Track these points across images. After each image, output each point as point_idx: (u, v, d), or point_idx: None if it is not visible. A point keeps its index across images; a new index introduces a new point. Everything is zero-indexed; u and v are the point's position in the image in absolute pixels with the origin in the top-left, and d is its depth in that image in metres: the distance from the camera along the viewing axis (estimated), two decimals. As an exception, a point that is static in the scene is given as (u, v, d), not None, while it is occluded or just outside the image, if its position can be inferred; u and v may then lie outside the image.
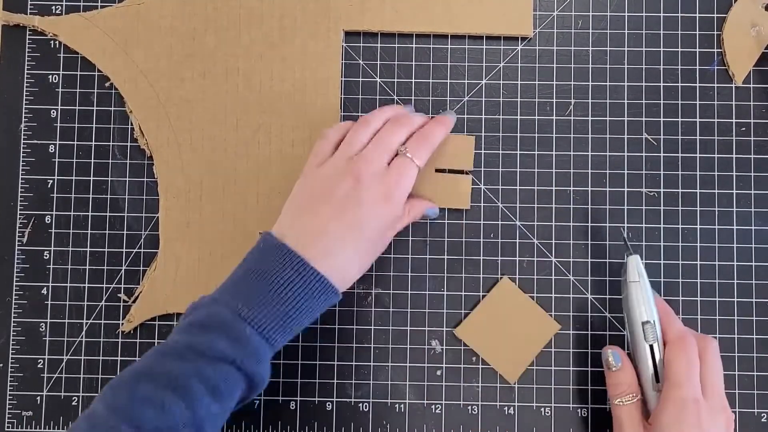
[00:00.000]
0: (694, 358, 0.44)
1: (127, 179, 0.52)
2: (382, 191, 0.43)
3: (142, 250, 0.51)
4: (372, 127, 0.46)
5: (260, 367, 0.40)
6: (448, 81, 0.52)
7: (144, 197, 0.52)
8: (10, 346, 0.51)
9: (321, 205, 0.43)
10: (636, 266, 0.46)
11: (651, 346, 0.45)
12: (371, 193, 0.43)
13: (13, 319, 0.51)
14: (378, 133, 0.45)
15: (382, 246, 0.45)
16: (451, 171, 0.51)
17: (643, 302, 0.45)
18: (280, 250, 0.41)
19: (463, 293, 0.51)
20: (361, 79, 0.52)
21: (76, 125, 0.52)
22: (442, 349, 0.51)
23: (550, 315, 0.51)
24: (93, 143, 0.52)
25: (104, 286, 0.51)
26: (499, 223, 0.51)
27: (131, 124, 0.52)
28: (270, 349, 0.41)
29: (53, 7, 0.52)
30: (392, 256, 0.51)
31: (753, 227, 0.51)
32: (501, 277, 0.51)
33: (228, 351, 0.39)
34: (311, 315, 0.42)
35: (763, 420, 0.50)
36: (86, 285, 0.51)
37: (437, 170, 0.51)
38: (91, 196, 0.52)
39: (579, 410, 0.50)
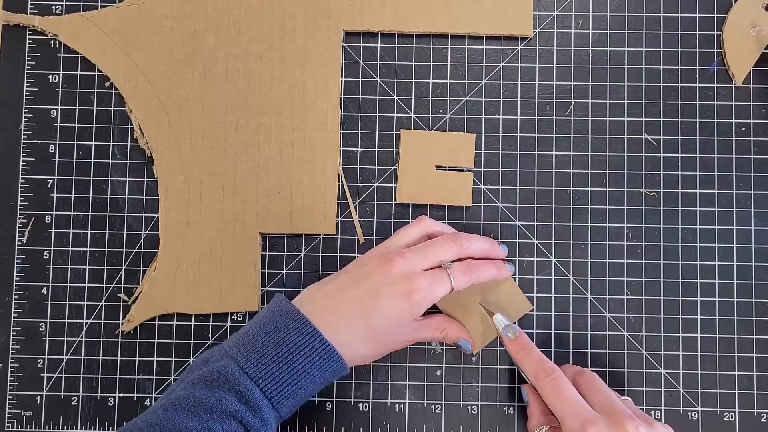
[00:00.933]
0: (561, 383, 0.43)
1: (127, 179, 0.52)
2: (404, 289, 0.43)
3: (141, 250, 0.51)
4: (425, 229, 0.47)
5: (264, 425, 0.40)
6: (448, 81, 0.52)
7: (144, 197, 0.52)
8: (10, 346, 0.51)
9: (346, 283, 0.44)
10: (502, 323, 0.47)
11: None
12: (394, 287, 0.43)
13: (13, 319, 0.51)
14: (430, 240, 0.46)
15: (396, 343, 0.46)
16: (452, 169, 0.51)
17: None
18: (293, 315, 0.42)
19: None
20: (361, 79, 0.52)
21: (76, 125, 0.52)
22: (442, 349, 0.51)
23: (550, 314, 0.51)
24: (93, 143, 0.52)
25: (104, 285, 0.51)
26: (499, 223, 0.51)
27: (131, 124, 0.52)
28: (272, 410, 0.41)
29: (53, 7, 0.52)
30: (392, 256, 0.51)
31: (753, 227, 0.51)
32: None
33: (235, 407, 0.39)
34: (317, 382, 0.42)
35: (762, 420, 0.50)
36: (86, 285, 0.51)
37: (438, 168, 0.51)
38: (91, 195, 0.52)
39: (579, 410, 0.50)
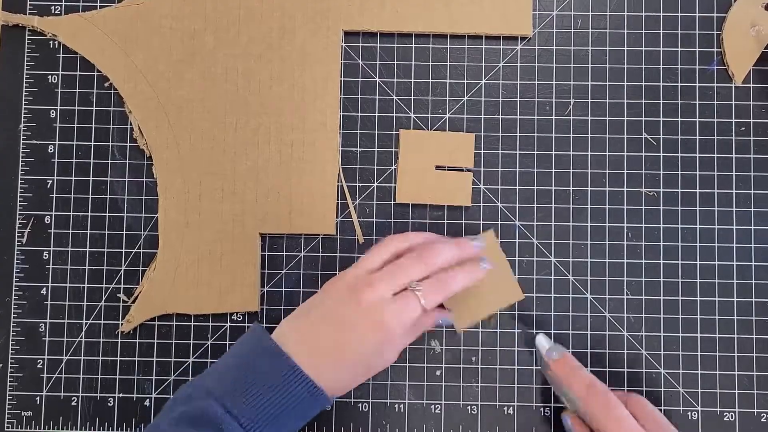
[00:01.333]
0: (614, 405, 0.42)
1: (127, 179, 0.52)
2: (375, 320, 0.42)
3: (141, 251, 0.51)
4: (391, 249, 0.45)
5: None
6: (448, 81, 0.52)
7: (143, 197, 0.52)
8: (10, 347, 0.51)
9: (320, 319, 0.43)
10: (545, 344, 0.46)
11: None
12: (365, 320, 0.42)
13: (12, 320, 0.51)
14: (396, 262, 0.44)
15: (384, 362, 0.45)
16: (451, 168, 0.51)
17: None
18: (275, 353, 0.42)
19: (462, 293, 0.51)
20: (360, 79, 0.52)
21: (76, 125, 0.52)
22: (442, 349, 0.51)
23: (549, 314, 0.51)
24: (92, 143, 0.52)
25: (103, 286, 0.51)
26: (499, 222, 0.51)
27: (130, 125, 0.52)
28: None
29: (52, 8, 0.52)
30: (392, 256, 0.51)
31: (752, 227, 0.51)
32: (488, 229, 0.50)
33: None
34: (300, 417, 0.42)
35: (762, 420, 0.50)
36: (85, 285, 0.51)
37: (438, 168, 0.51)
38: (90, 196, 0.52)
39: (578, 410, 0.50)
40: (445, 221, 0.51)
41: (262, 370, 0.41)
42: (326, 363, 0.42)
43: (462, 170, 0.51)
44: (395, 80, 0.52)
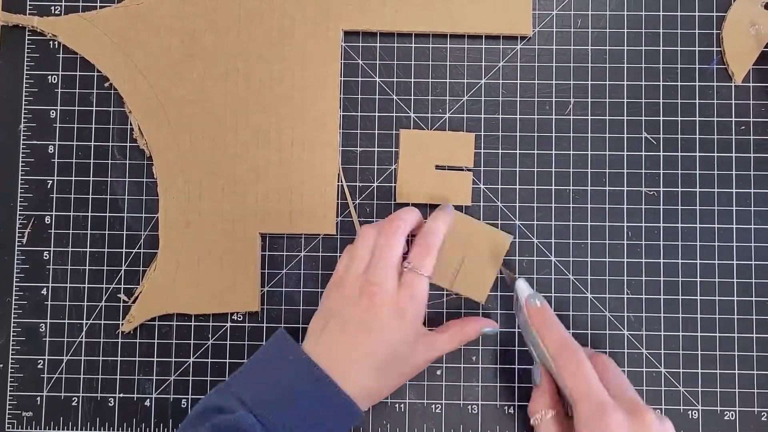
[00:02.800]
0: (581, 364, 0.41)
1: (127, 179, 0.52)
2: (394, 314, 0.43)
3: (141, 251, 0.51)
4: (370, 240, 0.45)
5: None
6: (448, 80, 0.52)
7: (143, 197, 0.52)
8: (10, 347, 0.51)
9: (341, 330, 0.43)
10: (525, 291, 0.45)
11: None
12: (386, 317, 0.43)
13: (13, 320, 0.51)
14: (376, 247, 0.45)
15: (414, 368, 0.45)
16: (451, 168, 0.51)
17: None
18: (305, 364, 0.42)
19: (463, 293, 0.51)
20: (360, 79, 0.52)
21: (76, 126, 0.52)
22: (442, 348, 0.51)
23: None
24: (92, 143, 0.52)
25: (104, 286, 0.51)
26: (499, 222, 0.51)
27: (130, 125, 0.52)
28: None
29: (52, 8, 0.52)
30: (392, 255, 0.51)
31: (752, 226, 0.51)
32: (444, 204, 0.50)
33: None
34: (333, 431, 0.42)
35: (763, 419, 0.50)
36: (86, 285, 0.51)
37: (438, 167, 0.51)
38: (90, 196, 0.52)
39: (579, 409, 0.50)
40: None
41: (301, 389, 0.41)
42: (360, 372, 0.42)
43: (462, 170, 0.51)
44: (395, 80, 0.52)
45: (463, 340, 0.47)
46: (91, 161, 0.52)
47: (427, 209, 0.51)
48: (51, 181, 0.52)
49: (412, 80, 0.52)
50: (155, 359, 0.51)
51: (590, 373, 0.41)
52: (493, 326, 0.48)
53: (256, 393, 0.41)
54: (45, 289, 0.51)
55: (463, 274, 0.50)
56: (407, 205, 0.51)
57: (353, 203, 0.51)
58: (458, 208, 0.51)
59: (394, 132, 0.52)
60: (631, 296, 0.51)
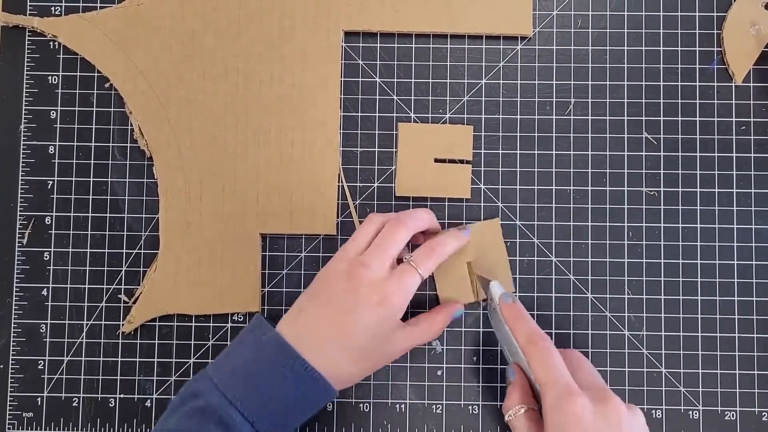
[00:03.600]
0: (548, 353, 0.42)
1: (127, 180, 0.52)
2: (376, 298, 0.42)
3: (142, 251, 0.51)
4: (373, 228, 0.46)
5: None
6: (448, 81, 0.52)
7: (144, 198, 0.52)
8: (11, 348, 0.51)
9: (319, 309, 0.43)
10: (498, 291, 0.46)
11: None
12: (365, 299, 0.42)
13: (13, 321, 0.51)
14: (380, 234, 0.45)
15: (388, 355, 0.45)
16: (450, 161, 0.51)
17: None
18: (277, 344, 0.42)
19: (463, 293, 0.51)
20: (360, 79, 0.52)
21: (76, 126, 0.52)
22: (443, 349, 0.51)
23: (551, 314, 0.51)
24: (93, 144, 0.52)
25: (104, 287, 0.51)
26: (500, 222, 0.51)
27: (131, 125, 0.52)
28: None
29: (53, 8, 0.52)
30: (392, 256, 0.51)
31: (753, 226, 0.51)
32: (494, 218, 0.51)
33: None
34: (306, 409, 0.43)
35: (764, 419, 0.50)
36: (86, 286, 0.51)
37: (437, 160, 0.51)
38: (91, 197, 0.52)
39: (580, 410, 0.50)
40: (446, 220, 0.51)
41: (267, 363, 0.41)
42: (332, 352, 0.42)
43: (462, 162, 0.51)
44: (395, 80, 0.52)
45: (438, 330, 0.47)
46: (92, 162, 0.52)
47: (427, 203, 0.51)
48: (51, 182, 0.52)
49: (413, 80, 0.52)
50: (156, 360, 0.51)
51: (557, 361, 0.42)
52: (460, 309, 0.49)
53: (229, 375, 0.41)
54: (45, 289, 0.51)
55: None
56: (407, 198, 0.51)
57: (354, 203, 0.51)
58: (458, 200, 0.51)
59: (394, 132, 0.52)
60: (631, 296, 0.51)
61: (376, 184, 0.52)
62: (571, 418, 0.39)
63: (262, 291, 0.51)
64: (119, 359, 0.51)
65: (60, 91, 0.52)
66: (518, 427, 0.43)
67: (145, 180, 0.52)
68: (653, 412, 0.50)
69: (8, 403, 0.51)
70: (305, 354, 0.42)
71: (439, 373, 0.51)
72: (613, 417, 0.40)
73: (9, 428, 0.50)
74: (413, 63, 0.52)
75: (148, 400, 0.51)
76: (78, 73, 0.52)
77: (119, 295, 0.51)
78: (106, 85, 0.52)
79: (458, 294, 0.50)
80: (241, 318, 0.51)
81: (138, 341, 0.51)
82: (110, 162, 0.52)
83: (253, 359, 0.42)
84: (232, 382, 0.41)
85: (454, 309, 0.48)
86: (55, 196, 0.52)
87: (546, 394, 0.41)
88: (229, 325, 0.51)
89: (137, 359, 0.51)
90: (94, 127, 0.52)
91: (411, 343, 0.46)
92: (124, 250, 0.51)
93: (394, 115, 0.52)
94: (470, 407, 0.51)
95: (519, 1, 0.51)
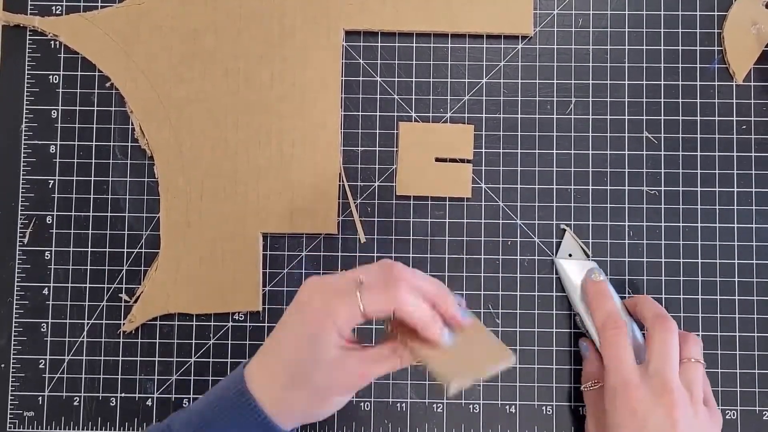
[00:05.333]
0: (617, 340, 0.44)
1: (128, 179, 0.52)
2: (307, 311, 0.37)
3: (143, 250, 0.51)
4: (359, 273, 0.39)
5: None
6: (449, 80, 0.52)
7: (145, 197, 0.52)
8: (12, 347, 0.51)
9: (271, 337, 0.40)
10: (579, 264, 0.48)
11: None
12: (297, 313, 0.38)
13: (14, 320, 0.51)
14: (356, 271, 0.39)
15: (322, 386, 0.38)
16: (451, 160, 0.51)
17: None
18: (236, 383, 0.39)
19: (464, 292, 0.51)
20: (361, 79, 0.52)
21: (77, 125, 0.52)
22: (444, 348, 0.51)
23: (552, 313, 0.51)
24: (94, 143, 0.52)
25: (105, 286, 0.51)
26: (500, 221, 0.51)
27: (132, 125, 0.52)
28: None
29: (53, 8, 0.52)
30: (393, 255, 0.51)
31: (754, 225, 0.51)
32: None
33: None
34: None
35: (764, 418, 0.50)
36: (87, 285, 0.51)
37: (438, 159, 0.51)
38: (92, 196, 0.52)
39: (580, 408, 0.50)
40: (447, 220, 0.51)
41: (223, 403, 0.39)
42: (270, 376, 0.38)
43: (463, 161, 0.51)
44: (396, 79, 0.52)
45: (406, 359, 0.39)
46: (93, 161, 0.52)
47: (428, 209, 0.51)
48: (52, 181, 0.52)
49: (413, 80, 0.52)
50: (157, 359, 0.51)
51: (624, 349, 0.44)
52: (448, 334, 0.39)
53: (187, 418, 0.39)
54: (46, 288, 0.51)
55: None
56: (408, 197, 0.51)
57: (354, 203, 0.52)
58: (458, 200, 0.51)
59: (395, 131, 0.52)
60: (632, 296, 0.51)
61: (376, 184, 0.52)
62: (627, 411, 0.42)
63: (263, 290, 0.51)
64: (120, 358, 0.51)
65: (61, 90, 0.52)
66: (589, 399, 0.47)
67: (145, 179, 0.52)
68: (654, 411, 0.50)
69: (9, 402, 0.51)
70: (256, 392, 0.38)
71: (439, 372, 0.51)
72: (677, 414, 0.41)
73: (10, 427, 0.50)
74: (414, 62, 0.52)
75: (149, 399, 0.51)
76: (79, 73, 0.52)
77: (120, 295, 0.51)
78: (107, 84, 0.52)
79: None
80: (242, 317, 0.51)
81: (139, 340, 0.51)
82: (111, 161, 0.52)
83: (212, 401, 0.39)
84: (187, 423, 0.39)
85: (438, 331, 0.38)
86: (56, 195, 0.52)
87: (608, 379, 0.43)
88: (230, 324, 0.51)
89: (138, 358, 0.51)
90: (95, 126, 0.52)
91: (365, 369, 0.38)
92: (125, 250, 0.51)
93: (395, 114, 0.52)
94: (471, 406, 0.51)
95: (520, 0, 0.51)
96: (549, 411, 0.50)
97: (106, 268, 0.51)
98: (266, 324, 0.51)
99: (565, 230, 0.48)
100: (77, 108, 0.52)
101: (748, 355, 0.50)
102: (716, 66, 0.52)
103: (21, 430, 0.50)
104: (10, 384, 0.51)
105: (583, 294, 0.48)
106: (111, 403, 0.51)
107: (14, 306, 0.51)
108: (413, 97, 0.52)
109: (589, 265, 0.49)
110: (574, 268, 0.49)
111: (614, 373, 0.43)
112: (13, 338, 0.51)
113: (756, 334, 0.50)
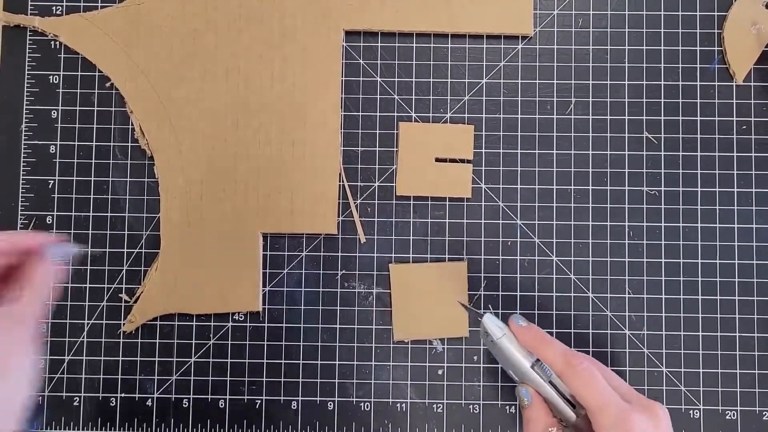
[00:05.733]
0: (589, 373, 0.41)
1: (128, 179, 0.52)
2: None
3: (143, 251, 0.51)
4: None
5: None
6: (449, 80, 0.52)
7: (145, 197, 0.52)
8: (12, 347, 0.51)
9: None
10: (494, 323, 0.43)
11: (551, 382, 0.42)
12: None
13: (14, 320, 0.51)
14: None
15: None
16: (451, 160, 0.51)
17: (518, 349, 0.43)
18: None
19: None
20: (361, 79, 0.52)
21: (77, 126, 0.52)
22: (444, 348, 0.51)
23: (551, 313, 0.51)
24: (94, 144, 0.52)
25: (105, 286, 0.51)
26: (500, 222, 0.51)
27: (132, 125, 0.52)
28: None
29: (54, 8, 0.52)
30: (393, 255, 0.51)
31: (754, 225, 0.51)
32: (464, 259, 0.51)
33: None
34: None
35: (764, 418, 0.50)
36: (87, 285, 0.51)
37: (438, 160, 0.51)
38: (92, 196, 0.52)
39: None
40: (447, 220, 0.51)
41: None
42: None
43: (463, 161, 0.51)
44: (396, 80, 0.52)
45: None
46: (93, 161, 0.52)
47: (428, 209, 0.51)
48: (52, 181, 0.52)
49: (414, 80, 0.52)
50: (157, 359, 0.51)
51: (602, 382, 0.41)
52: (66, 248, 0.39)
53: None
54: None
55: (439, 317, 0.50)
56: (408, 198, 0.51)
57: (354, 203, 0.52)
58: (458, 200, 0.51)
59: (395, 132, 0.52)
60: (632, 296, 0.51)
61: (376, 184, 0.52)
62: None
63: (263, 290, 0.51)
64: (120, 358, 0.51)
65: (61, 90, 0.52)
66: None
67: (146, 179, 0.52)
68: (654, 411, 0.50)
69: (9, 402, 0.51)
70: None
71: (440, 372, 0.51)
72: (663, 425, 0.40)
73: (10, 427, 0.50)
74: (414, 62, 0.52)
75: (149, 400, 0.51)
76: (79, 73, 0.52)
77: (120, 295, 0.51)
78: (107, 84, 0.52)
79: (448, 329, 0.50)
80: (242, 317, 0.51)
81: (139, 340, 0.51)
82: (111, 161, 0.52)
83: None
84: None
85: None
86: (56, 195, 0.52)
87: (599, 418, 0.40)
88: (230, 324, 0.51)
89: (138, 358, 0.51)
90: (95, 126, 0.52)
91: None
92: (125, 250, 0.51)
93: (395, 114, 0.52)
94: (471, 406, 0.51)
95: (520, 0, 0.51)
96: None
97: (106, 268, 0.51)
98: (266, 324, 0.51)
99: (483, 317, 0.44)
100: (77, 108, 0.52)
101: (748, 355, 0.50)
102: (716, 66, 0.52)
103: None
104: (10, 384, 0.51)
105: (501, 348, 0.43)
106: (111, 404, 0.51)
107: (14, 306, 0.51)
108: (413, 97, 0.52)
109: (495, 322, 0.44)
110: (498, 349, 0.44)
111: (606, 407, 0.40)
112: (13, 338, 0.51)
113: (756, 334, 0.50)
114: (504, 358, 0.44)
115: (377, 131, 0.52)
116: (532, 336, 0.43)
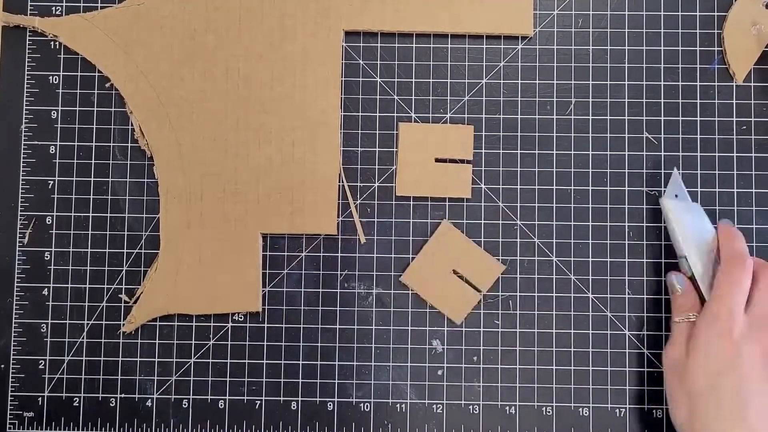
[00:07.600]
0: (738, 276, 0.45)
1: (128, 180, 0.52)
2: None
3: (143, 251, 0.51)
4: None
5: None
6: (449, 80, 0.52)
7: (144, 198, 0.52)
8: (12, 347, 0.51)
9: None
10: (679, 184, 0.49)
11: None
12: None
13: (14, 320, 0.51)
14: None
15: None
16: (451, 160, 0.51)
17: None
18: None
19: (464, 293, 0.51)
20: (361, 79, 0.52)
21: (77, 126, 0.52)
22: (443, 348, 0.51)
23: (551, 314, 0.51)
24: (93, 144, 0.52)
25: (105, 286, 0.51)
26: (500, 222, 0.51)
27: (132, 125, 0.52)
28: None
29: (53, 8, 0.52)
30: (393, 256, 0.51)
31: (754, 226, 0.51)
32: (440, 222, 0.51)
33: None
34: None
35: (764, 419, 0.50)
36: (87, 286, 0.51)
37: (437, 160, 0.51)
38: (91, 196, 0.52)
39: (580, 409, 0.50)
40: (447, 219, 0.51)
41: None
42: None
43: (462, 162, 0.51)
44: (396, 80, 0.52)
45: None
46: (92, 161, 0.52)
47: (428, 209, 0.51)
48: (52, 182, 0.52)
49: (413, 80, 0.52)
50: (156, 360, 0.51)
51: (739, 285, 0.44)
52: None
53: None
54: (46, 289, 0.51)
55: (447, 289, 0.50)
56: (408, 198, 0.51)
57: (354, 203, 0.51)
58: (458, 200, 0.51)
59: (395, 132, 0.52)
60: (632, 296, 0.51)
61: (376, 184, 0.52)
62: (724, 339, 0.43)
63: (263, 291, 0.51)
64: (120, 359, 0.51)
65: (61, 90, 0.52)
66: (679, 330, 0.46)
67: (145, 180, 0.52)
68: (654, 412, 0.50)
69: (9, 402, 0.51)
70: None
71: (439, 372, 0.51)
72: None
73: (10, 428, 0.50)
74: (414, 63, 0.52)
75: (149, 400, 0.51)
76: (79, 73, 0.52)
77: (120, 295, 0.51)
78: (107, 84, 0.52)
79: (462, 304, 0.51)
80: (241, 318, 0.51)
81: (139, 341, 0.51)
82: (111, 162, 0.52)
83: None
84: None
85: None
86: (55, 195, 0.52)
87: (710, 305, 0.45)
88: (230, 325, 0.51)
89: (138, 359, 0.51)
90: (94, 126, 0.52)
91: None
92: (125, 250, 0.51)
93: (395, 114, 0.52)
94: (471, 407, 0.51)
95: (520, 0, 0.51)
96: (549, 412, 0.50)
97: (106, 268, 0.51)
98: (266, 325, 0.51)
99: (673, 171, 0.49)
100: (77, 108, 0.52)
101: (748, 355, 0.50)
102: (716, 66, 0.52)
103: (21, 430, 0.50)
104: (10, 384, 0.51)
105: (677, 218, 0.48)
106: (111, 404, 0.51)
107: (14, 306, 0.51)
108: (413, 97, 0.52)
109: (695, 207, 0.49)
110: (681, 209, 0.49)
111: (721, 301, 0.44)
112: (12, 339, 0.51)
113: (756, 334, 0.50)
114: (678, 223, 0.48)
115: (377, 131, 0.52)
116: (725, 230, 0.48)
